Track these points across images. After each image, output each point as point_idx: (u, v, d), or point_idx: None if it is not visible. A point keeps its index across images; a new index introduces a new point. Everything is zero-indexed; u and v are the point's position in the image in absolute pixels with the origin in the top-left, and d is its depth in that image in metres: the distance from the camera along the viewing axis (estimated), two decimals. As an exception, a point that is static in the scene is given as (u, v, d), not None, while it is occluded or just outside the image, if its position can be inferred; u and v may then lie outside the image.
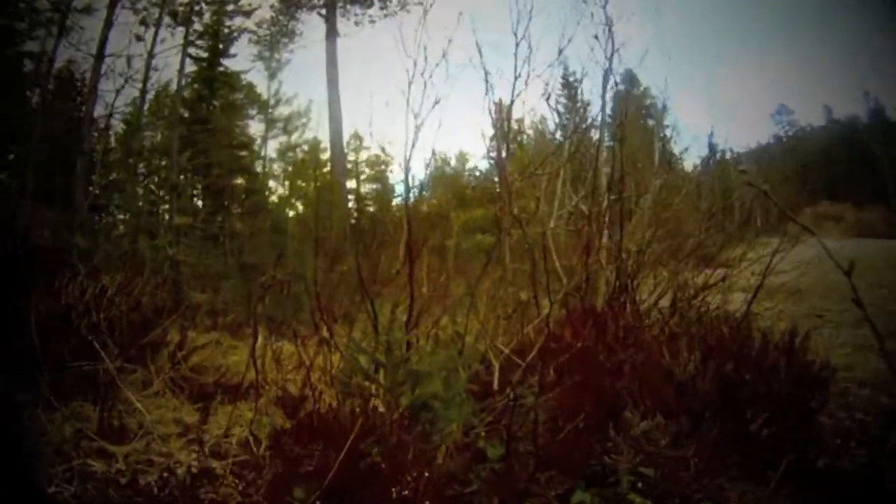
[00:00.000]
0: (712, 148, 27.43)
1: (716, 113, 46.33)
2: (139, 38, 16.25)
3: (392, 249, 8.21)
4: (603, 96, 11.19)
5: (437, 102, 7.07)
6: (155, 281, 10.64)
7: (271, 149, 30.72)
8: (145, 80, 18.19)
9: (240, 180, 24.93)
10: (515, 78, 10.65)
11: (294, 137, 33.74)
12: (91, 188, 12.98)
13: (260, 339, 7.02)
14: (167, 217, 14.37)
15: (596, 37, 10.37)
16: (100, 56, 14.75)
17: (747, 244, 21.66)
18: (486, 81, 11.22)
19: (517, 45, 10.31)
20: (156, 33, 17.33)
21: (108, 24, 14.36)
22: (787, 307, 9.30)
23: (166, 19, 17.50)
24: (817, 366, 5.92)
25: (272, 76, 26.60)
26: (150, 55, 17.23)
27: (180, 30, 18.75)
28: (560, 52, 10.27)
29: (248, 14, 23.28)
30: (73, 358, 6.57)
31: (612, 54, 10.19)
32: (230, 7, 22.49)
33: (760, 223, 31.84)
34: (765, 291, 8.29)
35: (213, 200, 16.43)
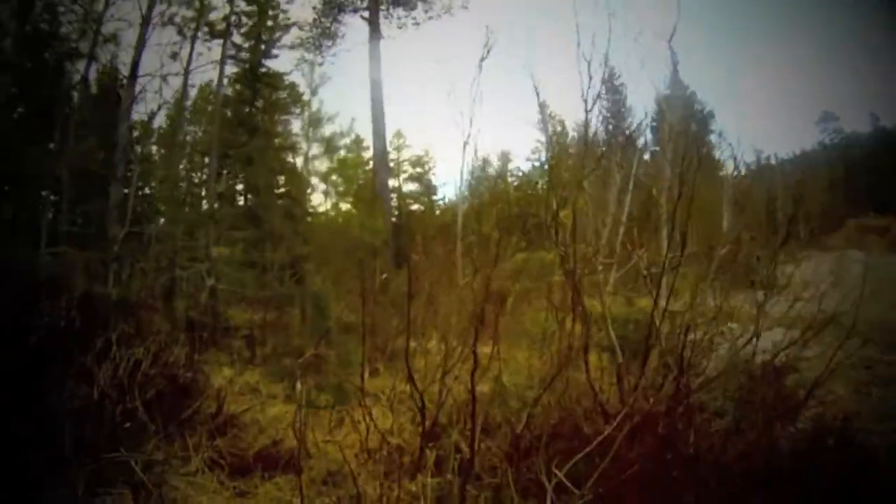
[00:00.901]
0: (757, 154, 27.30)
1: (761, 117, 45.62)
2: (174, 56, 16.17)
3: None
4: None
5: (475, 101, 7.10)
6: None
7: (314, 148, 31.06)
8: (182, 97, 18.18)
9: (282, 181, 25.14)
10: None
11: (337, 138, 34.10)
12: (125, 218, 12.63)
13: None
14: (206, 244, 13.94)
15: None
16: (133, 77, 14.52)
17: (791, 259, 21.31)
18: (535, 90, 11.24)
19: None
20: (192, 48, 17.00)
21: (141, 44, 14.16)
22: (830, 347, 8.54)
23: (202, 33, 17.28)
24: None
25: (314, 90, 26.62)
26: (187, 71, 17.01)
27: (217, 43, 18.33)
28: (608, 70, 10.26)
29: (286, 28, 23.37)
30: (109, 446, 6.44)
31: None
32: (269, 22, 22.50)
33: (803, 234, 31.38)
34: (808, 326, 7.86)
35: (255, 222, 16.32)
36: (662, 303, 7.59)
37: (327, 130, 29.88)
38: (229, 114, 22.07)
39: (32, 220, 11.63)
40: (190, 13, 15.57)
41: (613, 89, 33.85)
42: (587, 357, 7.82)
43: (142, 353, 8.29)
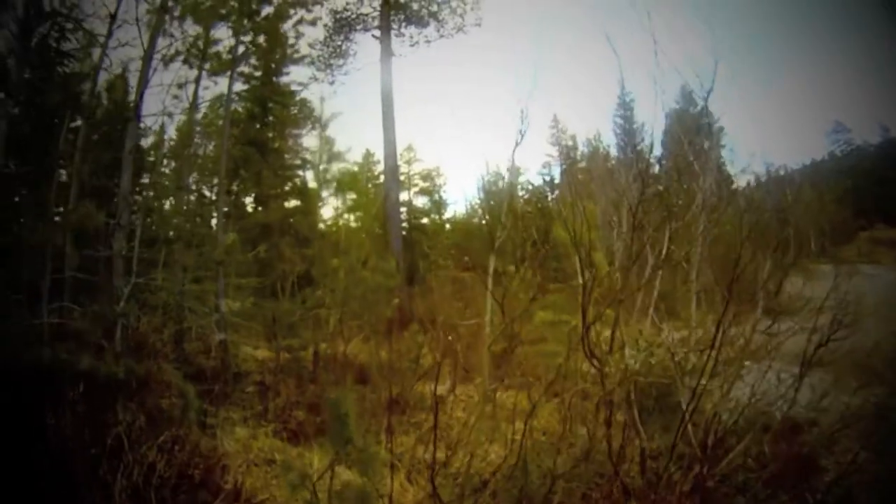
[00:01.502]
0: (767, 167, 27.28)
1: (771, 129, 45.61)
2: (178, 94, 15.68)
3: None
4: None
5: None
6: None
7: (325, 161, 31.13)
8: (188, 137, 18.06)
9: (295, 203, 25.15)
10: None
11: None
12: (131, 270, 12.09)
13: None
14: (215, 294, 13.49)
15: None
16: (136, 118, 13.89)
17: (803, 274, 21.17)
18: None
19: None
20: (197, 84, 16.35)
21: (143, 84, 13.61)
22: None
23: (208, 67, 16.60)
24: None
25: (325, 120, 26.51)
26: (193, 107, 16.48)
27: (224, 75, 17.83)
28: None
29: (296, 62, 23.31)
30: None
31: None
32: (277, 55, 22.39)
33: (815, 247, 31.30)
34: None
35: (264, 271, 15.87)
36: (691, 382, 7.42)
37: (340, 145, 30.28)
38: (237, 132, 22.14)
39: (33, 275, 11.14)
40: (194, 49, 15.22)
41: (624, 105, 34.08)
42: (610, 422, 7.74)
43: (155, 453, 8.21)
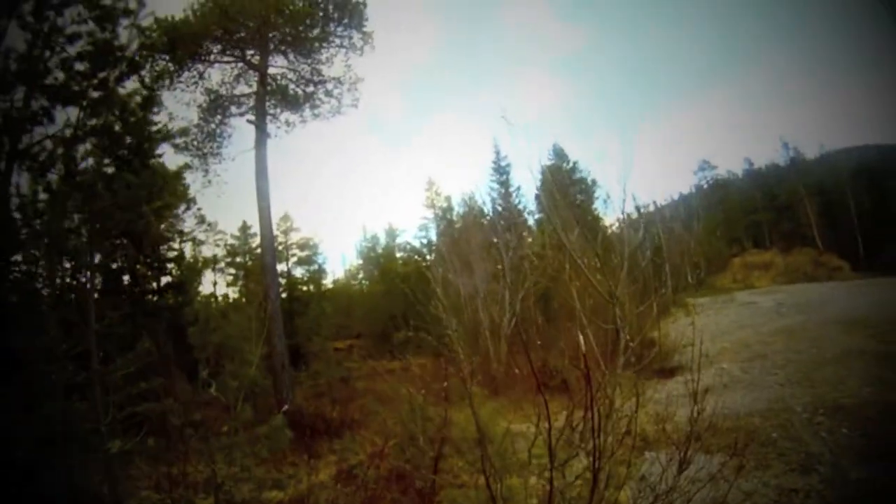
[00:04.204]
0: (638, 209, 28.15)
1: (643, 173, 47.84)
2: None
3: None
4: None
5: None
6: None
7: (201, 235, 30.36)
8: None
9: (168, 279, 24.00)
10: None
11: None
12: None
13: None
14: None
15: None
16: None
17: (682, 310, 21.43)
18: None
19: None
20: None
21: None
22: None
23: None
24: None
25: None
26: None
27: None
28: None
29: (166, 138, 22.24)
30: None
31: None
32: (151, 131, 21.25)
33: (691, 279, 32.32)
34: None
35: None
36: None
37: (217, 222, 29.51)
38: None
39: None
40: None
41: (500, 169, 34.72)
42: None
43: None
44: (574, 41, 70.19)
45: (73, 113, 13.87)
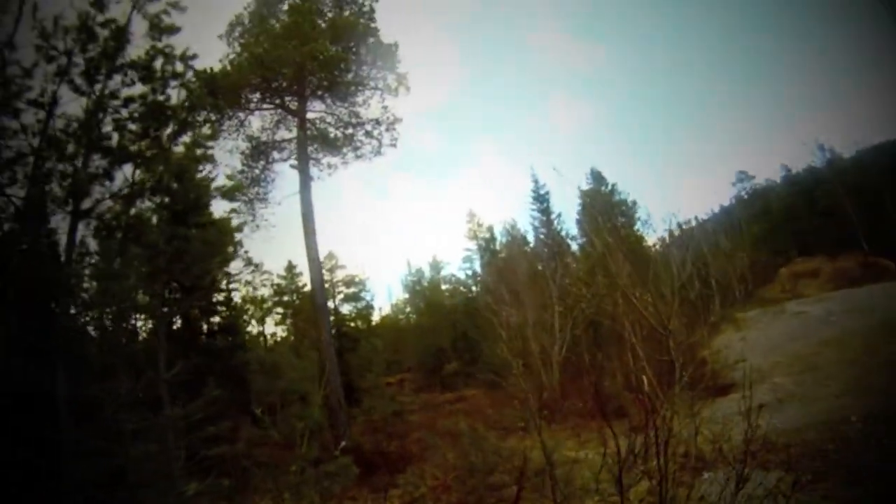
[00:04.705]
0: (680, 225, 28.07)
1: (681, 190, 47.63)
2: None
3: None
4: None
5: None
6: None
7: (247, 276, 30.83)
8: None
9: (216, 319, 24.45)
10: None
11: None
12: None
13: None
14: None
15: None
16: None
17: (732, 325, 21.26)
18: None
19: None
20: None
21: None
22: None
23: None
24: None
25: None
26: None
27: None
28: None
29: (223, 195, 22.70)
30: None
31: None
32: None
33: (738, 293, 31.95)
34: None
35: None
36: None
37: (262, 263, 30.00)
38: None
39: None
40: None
41: (539, 197, 34.81)
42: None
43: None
44: (596, 59, 70.52)
45: (130, 171, 14.58)
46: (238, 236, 25.83)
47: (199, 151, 15.63)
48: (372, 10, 25.88)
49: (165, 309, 16.02)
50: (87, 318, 14.59)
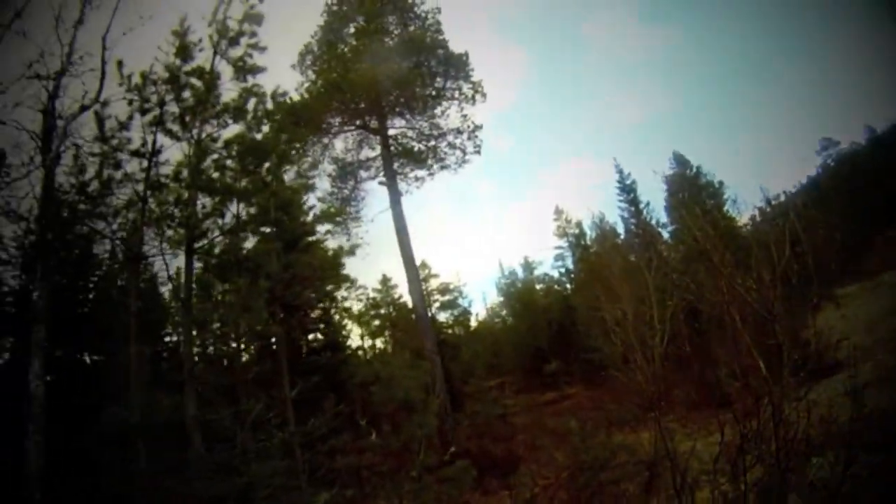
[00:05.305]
0: (769, 201, 27.50)
1: (764, 164, 46.32)
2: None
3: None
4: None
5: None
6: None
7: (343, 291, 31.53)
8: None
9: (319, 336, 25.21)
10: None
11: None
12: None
13: None
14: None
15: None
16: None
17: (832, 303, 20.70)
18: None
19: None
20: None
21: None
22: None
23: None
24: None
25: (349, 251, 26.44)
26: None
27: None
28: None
29: (324, 220, 23.53)
30: None
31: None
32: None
33: (835, 267, 30.92)
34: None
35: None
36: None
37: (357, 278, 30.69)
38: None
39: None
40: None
41: (626, 188, 34.51)
42: None
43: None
44: (664, 40, 69.47)
45: (236, 207, 15.51)
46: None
47: (300, 181, 16.45)
48: (437, 23, 26.63)
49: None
50: (216, 348, 15.63)
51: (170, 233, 14.40)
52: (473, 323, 38.88)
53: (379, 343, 36.66)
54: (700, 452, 7.92)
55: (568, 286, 37.29)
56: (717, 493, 6.92)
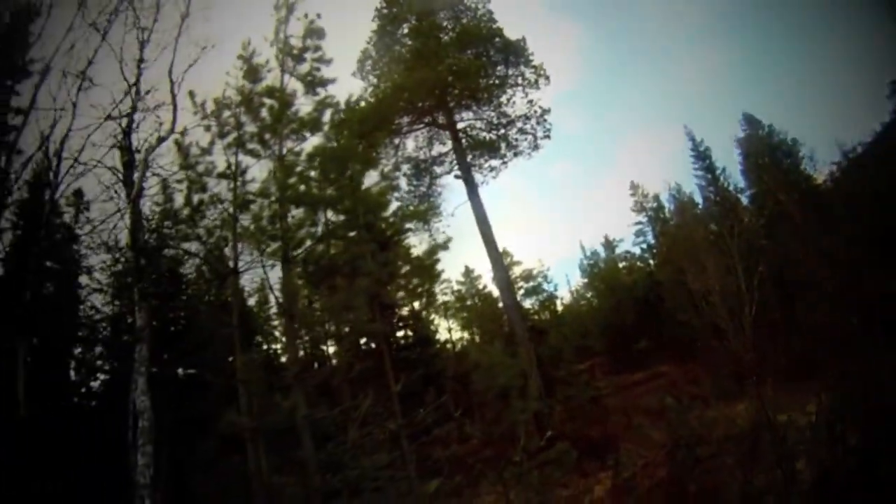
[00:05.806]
0: (846, 154, 26.53)
1: (834, 114, 44.43)
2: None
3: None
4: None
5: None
6: None
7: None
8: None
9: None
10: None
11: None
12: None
13: None
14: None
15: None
16: None
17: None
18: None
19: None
20: None
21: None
22: None
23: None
24: None
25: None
26: None
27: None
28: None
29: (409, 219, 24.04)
30: None
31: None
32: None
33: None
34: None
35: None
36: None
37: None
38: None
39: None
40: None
41: (700, 155, 33.85)
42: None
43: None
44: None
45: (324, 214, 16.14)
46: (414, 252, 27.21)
47: (385, 184, 16.85)
48: (489, 12, 27.09)
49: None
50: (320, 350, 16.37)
51: (264, 246, 15.16)
52: (559, 307, 38.42)
53: (467, 335, 37.11)
54: (796, 420, 8.05)
55: (651, 262, 37.16)
56: (815, 461, 7.04)
